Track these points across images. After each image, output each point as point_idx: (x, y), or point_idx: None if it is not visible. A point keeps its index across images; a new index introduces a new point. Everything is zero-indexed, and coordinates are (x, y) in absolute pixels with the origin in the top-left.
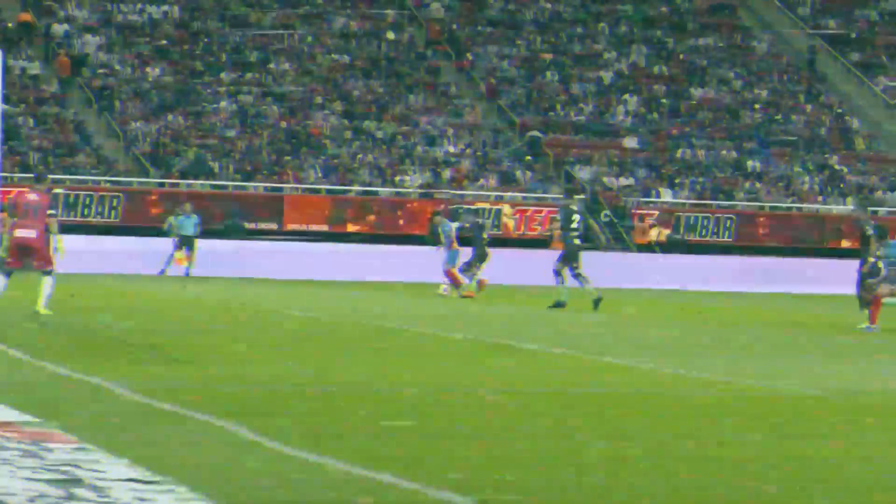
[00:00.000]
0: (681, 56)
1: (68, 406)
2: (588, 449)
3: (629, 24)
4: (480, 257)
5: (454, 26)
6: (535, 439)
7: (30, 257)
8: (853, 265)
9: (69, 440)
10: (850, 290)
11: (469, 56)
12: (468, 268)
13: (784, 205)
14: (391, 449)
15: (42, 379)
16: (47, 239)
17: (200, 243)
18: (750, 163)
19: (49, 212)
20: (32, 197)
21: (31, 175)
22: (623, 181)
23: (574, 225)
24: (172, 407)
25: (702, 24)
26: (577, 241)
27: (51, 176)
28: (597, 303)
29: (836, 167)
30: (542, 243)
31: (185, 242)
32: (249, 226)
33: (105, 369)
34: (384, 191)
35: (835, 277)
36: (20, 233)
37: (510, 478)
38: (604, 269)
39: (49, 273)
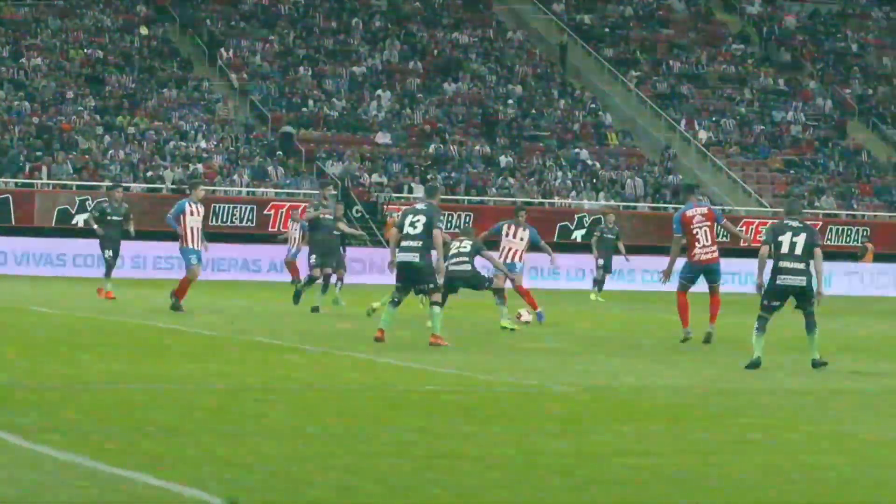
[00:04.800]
0: (435, 51)
1: None
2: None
3: (383, 19)
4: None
5: (207, 21)
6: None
7: None
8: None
9: None
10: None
11: (222, 51)
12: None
13: (537, 200)
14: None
15: None
16: None
17: None
18: (503, 158)
19: None
20: None
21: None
22: (375, 177)
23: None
24: None
25: (456, 19)
26: None
27: None
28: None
29: (589, 162)
30: None
31: None
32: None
33: None
34: (136, 186)
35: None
36: None
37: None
38: (352, 263)
39: None
